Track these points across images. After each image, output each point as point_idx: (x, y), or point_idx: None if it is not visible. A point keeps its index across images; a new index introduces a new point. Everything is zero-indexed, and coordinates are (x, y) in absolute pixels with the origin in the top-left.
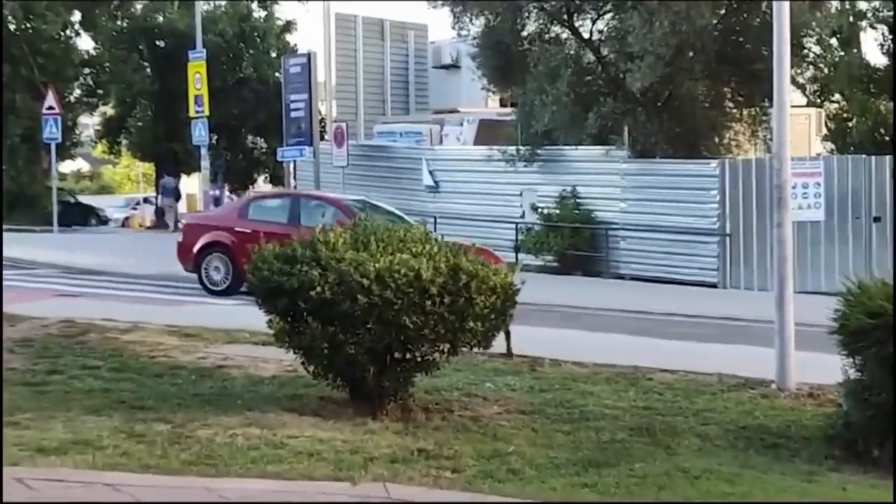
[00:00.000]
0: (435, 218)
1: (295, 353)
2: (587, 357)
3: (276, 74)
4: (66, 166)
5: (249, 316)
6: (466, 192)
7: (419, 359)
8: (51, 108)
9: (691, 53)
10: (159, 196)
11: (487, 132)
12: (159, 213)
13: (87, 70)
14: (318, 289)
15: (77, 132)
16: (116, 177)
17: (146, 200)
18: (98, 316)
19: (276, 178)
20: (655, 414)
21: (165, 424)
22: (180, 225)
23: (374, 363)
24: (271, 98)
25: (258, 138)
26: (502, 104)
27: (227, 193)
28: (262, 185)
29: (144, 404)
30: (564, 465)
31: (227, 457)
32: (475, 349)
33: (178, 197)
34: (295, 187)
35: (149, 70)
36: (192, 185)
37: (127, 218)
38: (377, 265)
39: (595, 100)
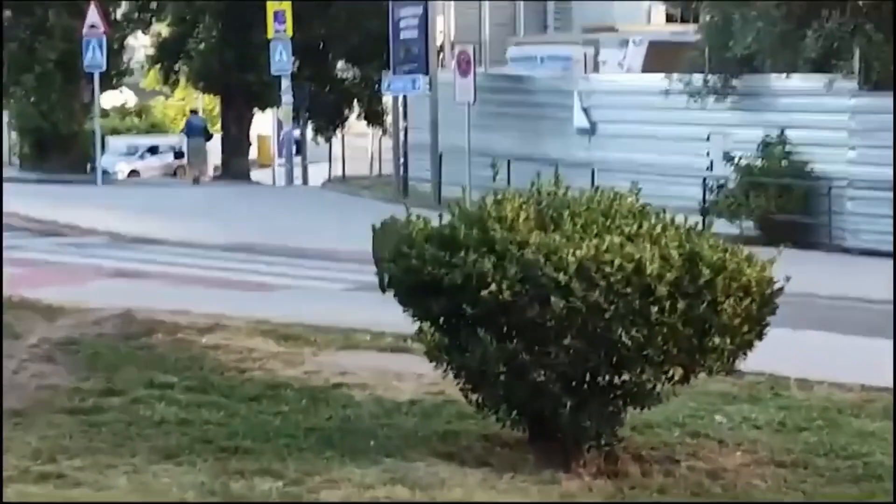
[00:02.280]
0: (593, 170)
1: (457, 376)
2: (838, 372)
3: None
4: (108, 99)
5: (364, 306)
6: (633, 135)
7: (635, 388)
8: (93, 26)
9: None
10: (185, 137)
11: (660, 57)
12: (181, 156)
13: None
14: (493, 287)
15: (125, 57)
16: (169, 112)
17: (152, 150)
18: (164, 306)
19: (374, 116)
20: None
21: (273, 480)
22: None
23: (571, 394)
24: (367, 14)
25: (350, 65)
26: (669, 20)
27: (310, 134)
28: (354, 123)
29: (240, 445)
30: None
31: None
32: (717, 373)
33: (208, 137)
34: (405, 129)
35: None
36: (264, 124)
37: (133, 171)
38: (578, 253)
39: (815, 14)
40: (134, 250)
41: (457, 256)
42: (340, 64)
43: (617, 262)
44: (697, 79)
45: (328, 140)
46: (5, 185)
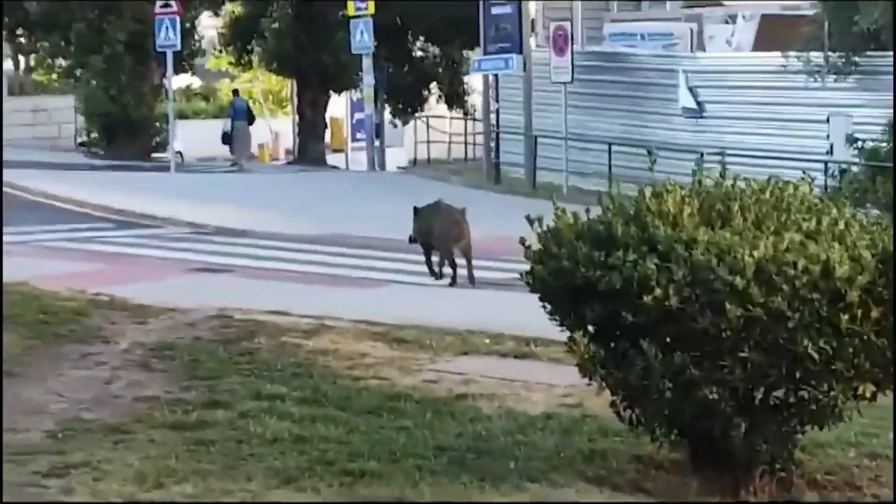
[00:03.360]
0: (701, 153)
1: (613, 392)
2: None
3: None
4: (174, 82)
5: (470, 303)
6: (744, 116)
7: (815, 406)
8: (167, 5)
9: None
10: (229, 120)
11: (772, 33)
12: (226, 138)
13: None
14: (658, 292)
15: (196, 37)
16: None
17: None
18: (259, 305)
19: (454, 98)
20: None
21: None
22: None
23: (744, 413)
24: None
25: (429, 45)
26: None
27: (388, 117)
28: (434, 106)
29: (365, 467)
30: None
31: None
32: None
33: (251, 120)
34: (496, 111)
35: None
36: (336, 106)
37: None
38: (755, 253)
39: None
40: (218, 242)
41: (614, 256)
42: (419, 43)
43: (801, 263)
44: (816, 56)
45: (405, 123)
46: (73, 172)
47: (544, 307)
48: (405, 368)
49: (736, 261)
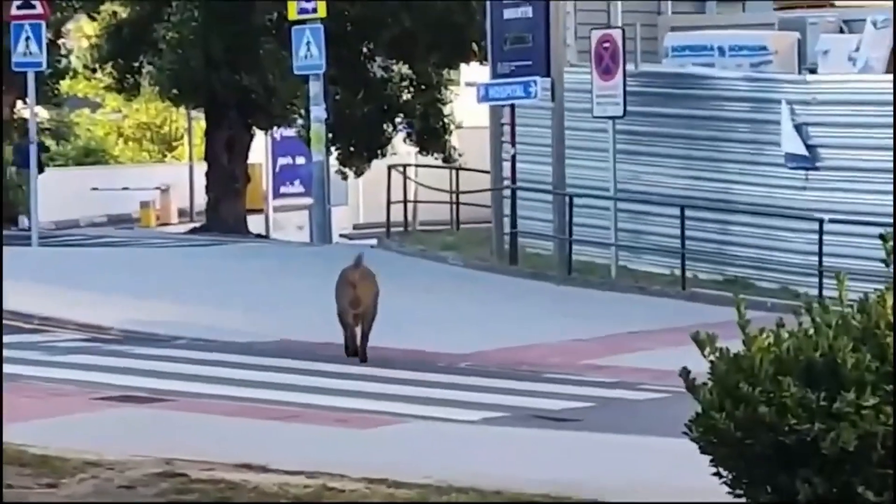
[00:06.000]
0: (820, 221)
1: None
2: None
3: None
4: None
5: (520, 449)
6: (876, 168)
7: None
8: (28, 5)
9: None
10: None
11: None
12: None
13: None
14: None
15: (64, 52)
16: (98, 131)
17: None
18: (220, 455)
19: (430, 136)
20: None
21: None
22: None
23: None
24: None
25: (394, 63)
26: None
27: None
28: (402, 148)
29: None
30: None
31: None
32: None
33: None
34: (513, 157)
35: None
36: (256, 151)
37: None
38: None
39: None
40: (132, 355)
41: (843, 401)
42: (379, 60)
43: None
44: None
45: (359, 173)
46: None
47: (720, 474)
48: None
49: None
